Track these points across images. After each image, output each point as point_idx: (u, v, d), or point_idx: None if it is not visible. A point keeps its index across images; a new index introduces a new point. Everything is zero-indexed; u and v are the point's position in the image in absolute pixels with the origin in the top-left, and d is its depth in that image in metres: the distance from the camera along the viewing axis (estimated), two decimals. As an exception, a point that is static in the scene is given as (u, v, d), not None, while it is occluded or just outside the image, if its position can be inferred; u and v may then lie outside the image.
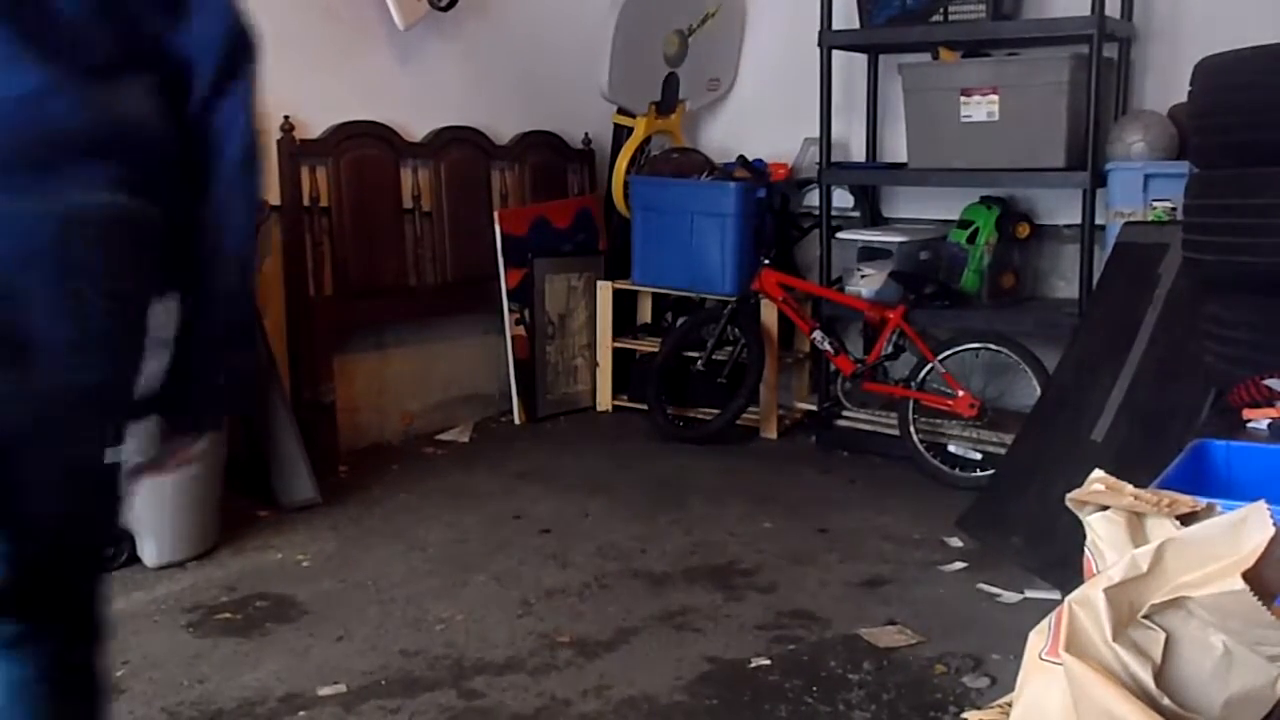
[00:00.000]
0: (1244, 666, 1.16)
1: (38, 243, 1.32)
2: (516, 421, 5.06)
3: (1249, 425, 2.40)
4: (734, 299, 4.74)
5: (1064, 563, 2.63)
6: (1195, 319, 3.00)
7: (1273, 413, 2.39)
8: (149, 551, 3.38)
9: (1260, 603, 1.14)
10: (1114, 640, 1.17)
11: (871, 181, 5.02)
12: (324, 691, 2.67)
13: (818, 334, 4.60)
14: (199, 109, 1.45)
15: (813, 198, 5.00)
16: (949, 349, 4.30)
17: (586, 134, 5.42)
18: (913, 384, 4.35)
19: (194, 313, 1.49)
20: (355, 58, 4.53)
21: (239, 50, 1.46)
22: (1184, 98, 3.11)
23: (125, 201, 1.37)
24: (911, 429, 4.32)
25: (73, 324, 1.35)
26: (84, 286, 1.35)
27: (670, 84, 5.18)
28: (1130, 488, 1.41)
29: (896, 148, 4.79)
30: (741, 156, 4.97)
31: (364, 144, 4.52)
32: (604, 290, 5.23)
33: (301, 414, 4.09)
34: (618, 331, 5.25)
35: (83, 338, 1.36)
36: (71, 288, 1.34)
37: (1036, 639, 1.27)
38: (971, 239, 4.52)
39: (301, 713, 2.58)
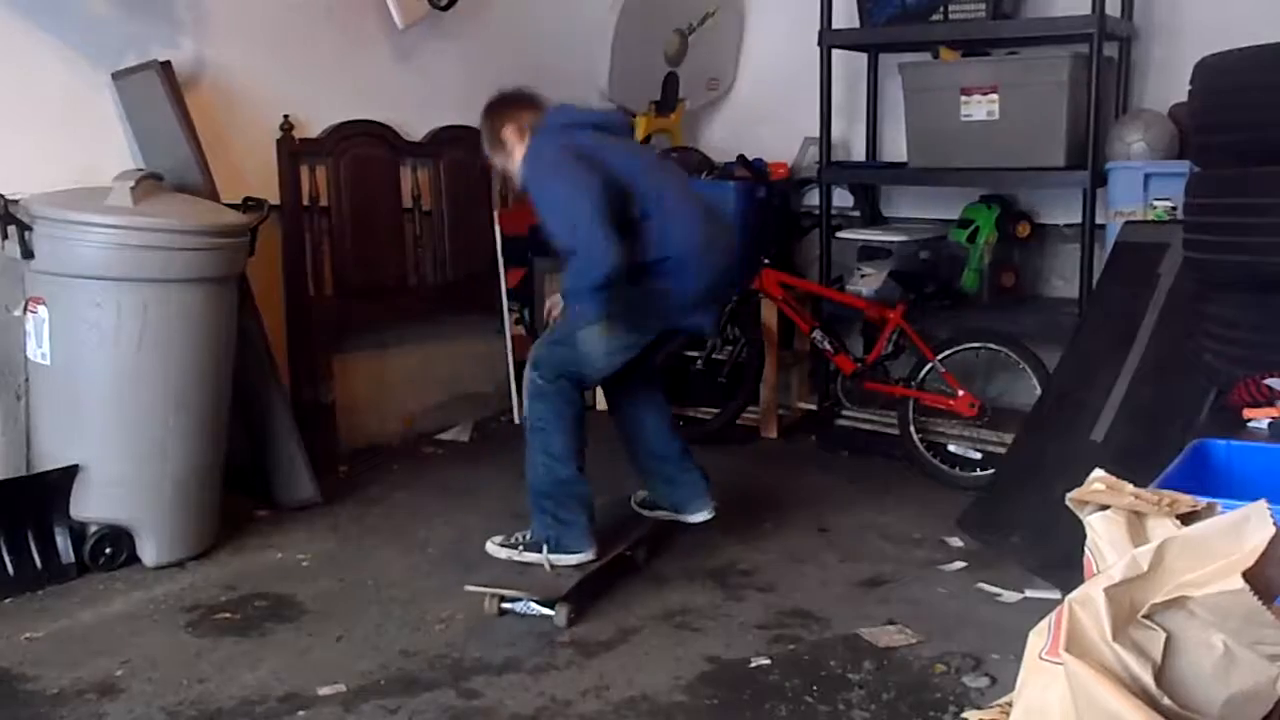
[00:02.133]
0: (1244, 666, 1.16)
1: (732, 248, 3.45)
2: (516, 421, 5.04)
3: (1249, 424, 2.40)
4: (734, 298, 4.73)
5: (1064, 562, 2.62)
6: (1195, 318, 3.01)
7: (1273, 412, 2.39)
8: (148, 551, 3.37)
9: (1261, 602, 1.14)
10: (1114, 640, 1.17)
11: (871, 181, 5.01)
12: (324, 691, 2.67)
13: (818, 333, 4.60)
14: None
15: (813, 197, 5.00)
16: (949, 348, 4.29)
17: (586, 134, 5.41)
18: (913, 383, 4.34)
19: None
20: (355, 57, 4.53)
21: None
22: (1184, 97, 3.11)
23: None
24: (911, 429, 4.32)
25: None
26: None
27: (670, 83, 5.17)
28: (1131, 487, 1.41)
29: (896, 147, 4.79)
30: (741, 156, 4.96)
31: (364, 143, 4.51)
32: (604, 290, 5.21)
33: (301, 414, 4.09)
34: (618, 331, 5.24)
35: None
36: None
37: (1036, 639, 1.27)
38: (971, 238, 4.52)
39: (301, 712, 2.58)
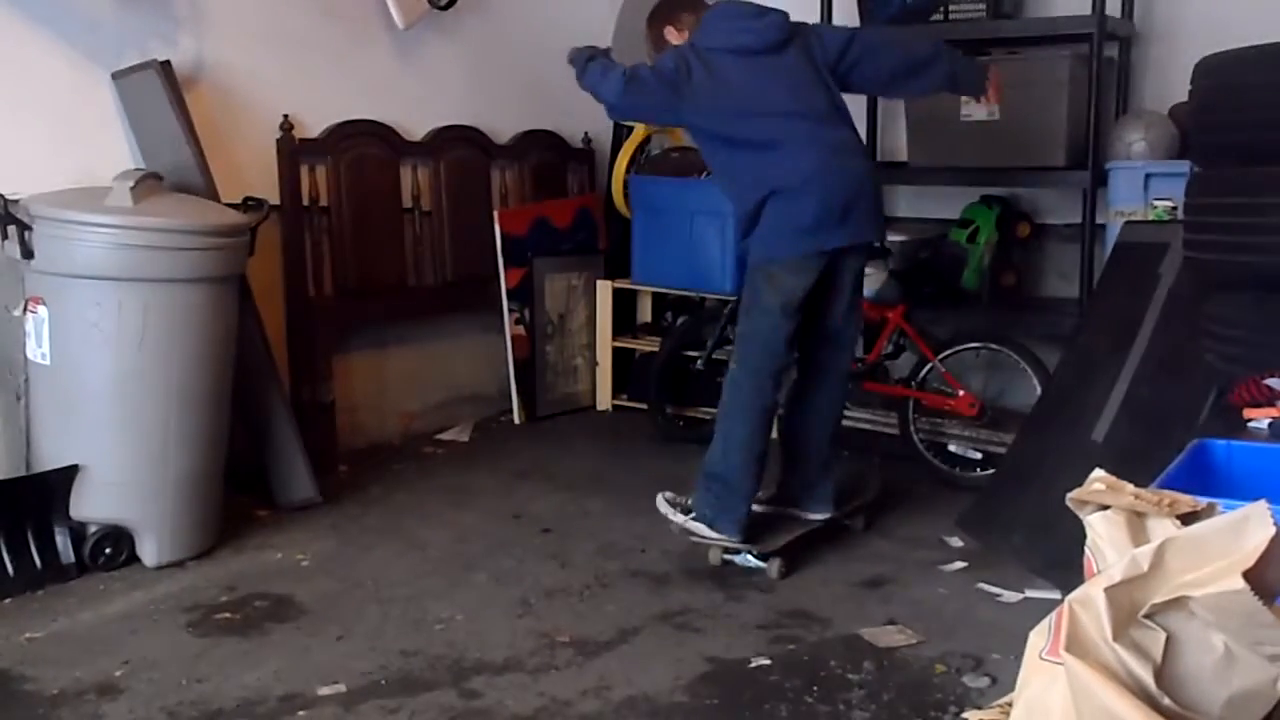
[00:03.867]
0: (1245, 666, 1.16)
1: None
2: (516, 421, 5.06)
3: (1249, 424, 2.40)
4: (734, 298, 4.72)
5: (1065, 562, 2.62)
6: (1196, 318, 3.01)
7: (1273, 412, 2.39)
8: (149, 551, 3.37)
9: (1261, 602, 1.14)
10: (1115, 640, 1.17)
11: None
12: (324, 691, 2.67)
13: (818, 333, 4.59)
14: None
15: (813, 197, 4.98)
16: (949, 348, 4.29)
17: (586, 133, 5.42)
18: (913, 383, 4.34)
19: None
20: (355, 57, 4.53)
21: None
22: (1184, 97, 3.11)
23: None
24: (912, 429, 4.32)
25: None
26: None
27: (670, 83, 5.16)
28: (1131, 487, 1.41)
29: (896, 147, 4.79)
30: (742, 156, 4.95)
31: (364, 143, 4.51)
32: (604, 290, 5.23)
33: (301, 413, 4.09)
34: (618, 331, 5.25)
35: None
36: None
37: (1037, 639, 1.28)
38: (972, 238, 4.51)
39: (301, 712, 2.58)
